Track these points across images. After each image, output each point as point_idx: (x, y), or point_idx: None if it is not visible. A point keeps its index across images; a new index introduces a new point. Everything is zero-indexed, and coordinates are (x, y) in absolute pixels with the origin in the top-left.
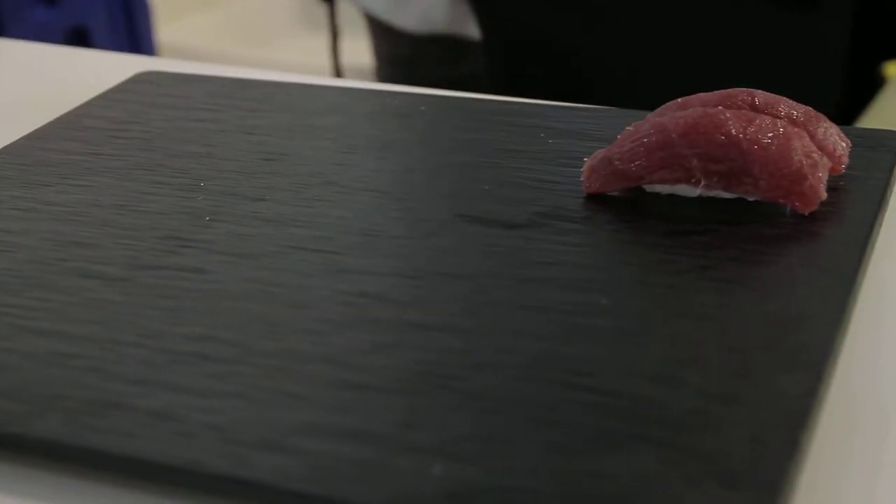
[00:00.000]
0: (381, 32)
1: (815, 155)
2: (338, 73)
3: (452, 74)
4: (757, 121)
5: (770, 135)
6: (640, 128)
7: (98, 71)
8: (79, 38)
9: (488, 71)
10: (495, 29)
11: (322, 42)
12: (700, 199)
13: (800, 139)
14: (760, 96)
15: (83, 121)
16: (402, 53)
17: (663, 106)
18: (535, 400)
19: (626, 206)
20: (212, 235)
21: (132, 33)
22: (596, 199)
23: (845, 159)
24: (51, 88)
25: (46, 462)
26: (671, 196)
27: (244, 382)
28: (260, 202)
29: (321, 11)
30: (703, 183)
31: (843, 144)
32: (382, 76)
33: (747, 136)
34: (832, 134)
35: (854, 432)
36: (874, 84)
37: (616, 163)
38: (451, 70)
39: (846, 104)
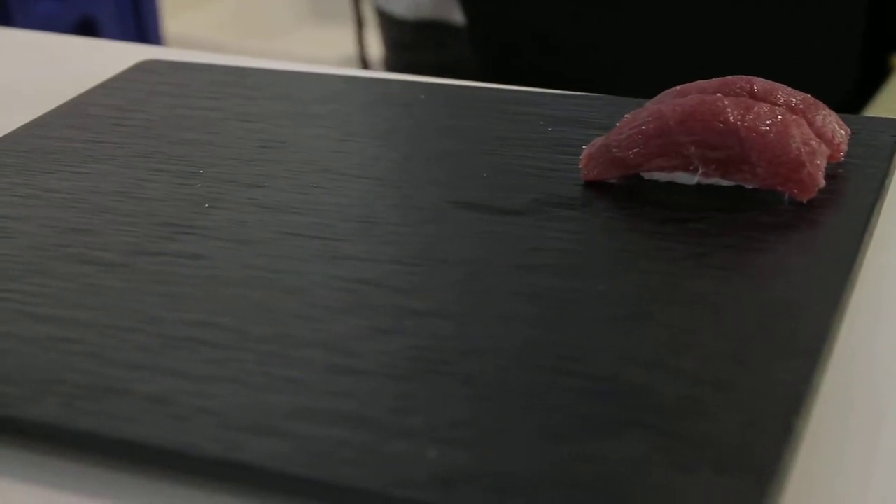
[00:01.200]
0: (384, 20)
1: (814, 142)
2: (363, 61)
3: (446, 60)
4: (755, 108)
5: (768, 122)
6: (638, 115)
7: (101, 60)
8: (86, 30)
9: (475, 57)
10: (477, 15)
11: (333, 35)
12: (698, 186)
13: (798, 127)
14: (759, 84)
15: (84, 109)
16: (402, 40)
17: (662, 93)
18: (530, 385)
19: (623, 193)
20: (210, 222)
21: (139, 25)
22: (594, 187)
23: (844, 147)
24: (54, 77)
25: (43, 446)
26: (669, 183)
27: (241, 367)
28: (258, 189)
29: (329, 4)
30: (700, 170)
31: (842, 132)
32: (388, 63)
33: (745, 124)
34: (831, 121)
35: (850, 419)
36: (883, 75)
37: (614, 150)
38: (444, 56)
39: (855, 94)
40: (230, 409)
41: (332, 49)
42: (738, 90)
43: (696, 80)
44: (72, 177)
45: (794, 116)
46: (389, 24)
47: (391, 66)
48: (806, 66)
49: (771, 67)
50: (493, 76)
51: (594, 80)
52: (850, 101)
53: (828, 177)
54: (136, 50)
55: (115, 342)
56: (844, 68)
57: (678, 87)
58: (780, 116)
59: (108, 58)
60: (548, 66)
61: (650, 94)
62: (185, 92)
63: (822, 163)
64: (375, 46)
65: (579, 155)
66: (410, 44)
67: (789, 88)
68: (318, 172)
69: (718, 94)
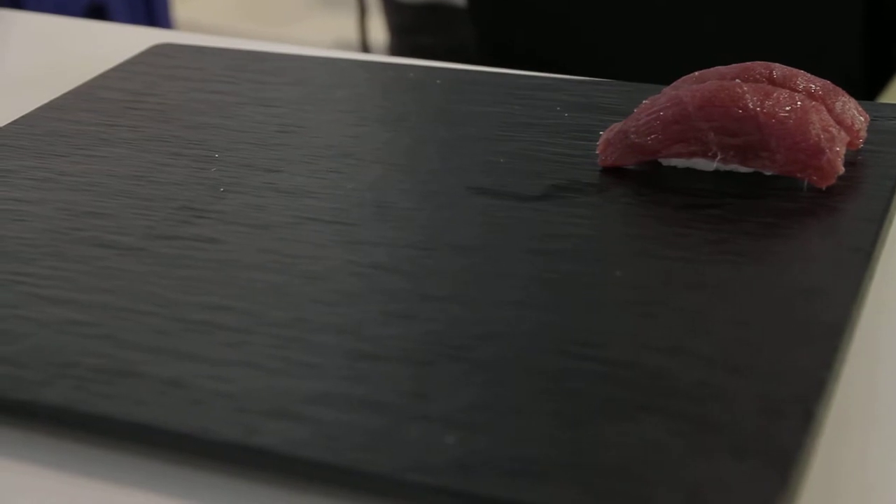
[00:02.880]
0: (387, 4)
1: (833, 129)
2: (365, 48)
3: (448, 43)
4: (774, 94)
5: (787, 108)
6: (656, 101)
7: (115, 43)
8: (97, 16)
9: (476, 39)
10: None
11: (341, 21)
12: (716, 172)
13: (817, 113)
14: (778, 69)
15: (99, 92)
16: (404, 24)
17: (680, 79)
18: (547, 370)
19: (641, 179)
20: (226, 206)
21: (150, 11)
22: (611, 173)
23: (863, 134)
24: (68, 60)
25: (57, 428)
26: (687, 170)
27: (256, 351)
28: (274, 173)
29: None
30: (719, 157)
31: (862, 119)
32: (391, 47)
33: (764, 110)
34: (850, 108)
35: (873, 405)
36: (893, 65)
37: (632, 136)
38: (446, 39)
39: (869, 82)
40: (246, 393)
41: (343, 37)
42: (757, 76)
43: (689, 66)
44: (86, 160)
45: (814, 103)
46: (392, 8)
47: (394, 50)
48: (806, 53)
49: (769, 55)
50: (494, 59)
51: (597, 63)
52: (862, 90)
53: (847, 163)
54: (150, 34)
55: (130, 325)
56: (847, 55)
57: (696, 73)
58: (799, 103)
59: (122, 42)
60: (550, 47)
61: (648, 78)
62: (200, 76)
63: (841, 149)
64: (379, 32)
65: (597, 141)
66: (412, 27)
67: (809, 74)
68: (334, 157)
69: (737, 80)
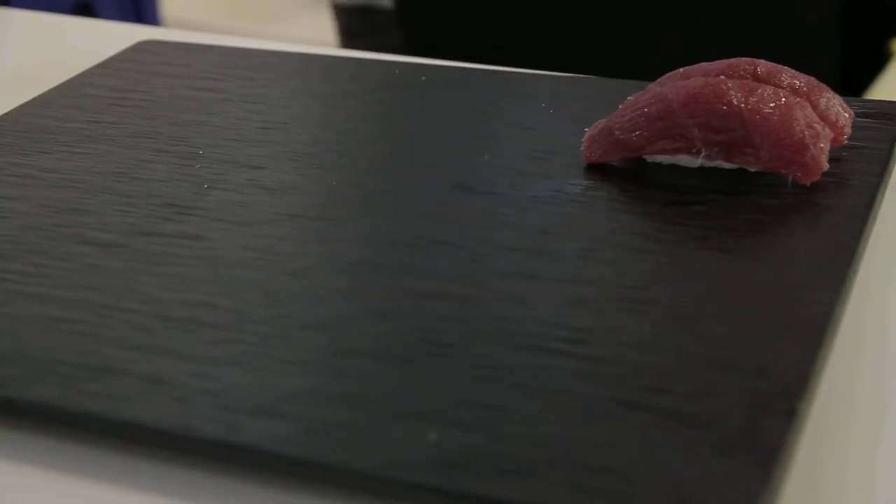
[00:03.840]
0: (332, 9)
1: (818, 125)
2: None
3: (384, 46)
4: (759, 91)
5: (772, 105)
6: (640, 98)
7: (101, 40)
8: (84, 13)
9: (404, 42)
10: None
11: (327, 20)
12: (701, 169)
13: (802, 109)
14: (763, 66)
15: (83, 88)
16: (349, 27)
17: (665, 75)
18: (531, 367)
19: (626, 176)
20: (210, 203)
21: (138, 8)
22: (596, 170)
23: (848, 130)
24: (53, 57)
25: (41, 426)
26: (672, 166)
27: (239, 349)
28: (258, 170)
29: None
30: (704, 153)
31: (846, 115)
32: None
33: (749, 106)
34: (835, 104)
35: (855, 402)
36: (881, 59)
37: (616, 133)
38: (383, 41)
39: (854, 79)
40: (230, 391)
41: (330, 33)
42: (741, 72)
43: (673, 62)
44: (70, 157)
45: (798, 99)
46: (336, 12)
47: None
48: (793, 50)
49: (755, 51)
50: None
51: (573, 60)
52: (851, 85)
53: (831, 160)
54: (135, 30)
55: (113, 322)
56: (826, 51)
57: (681, 70)
58: (783, 99)
59: (107, 38)
60: (482, 44)
61: (632, 74)
62: (185, 72)
63: (825, 146)
64: None
65: (581, 137)
66: (356, 31)
67: (793, 71)
68: (318, 154)
69: (722, 77)
